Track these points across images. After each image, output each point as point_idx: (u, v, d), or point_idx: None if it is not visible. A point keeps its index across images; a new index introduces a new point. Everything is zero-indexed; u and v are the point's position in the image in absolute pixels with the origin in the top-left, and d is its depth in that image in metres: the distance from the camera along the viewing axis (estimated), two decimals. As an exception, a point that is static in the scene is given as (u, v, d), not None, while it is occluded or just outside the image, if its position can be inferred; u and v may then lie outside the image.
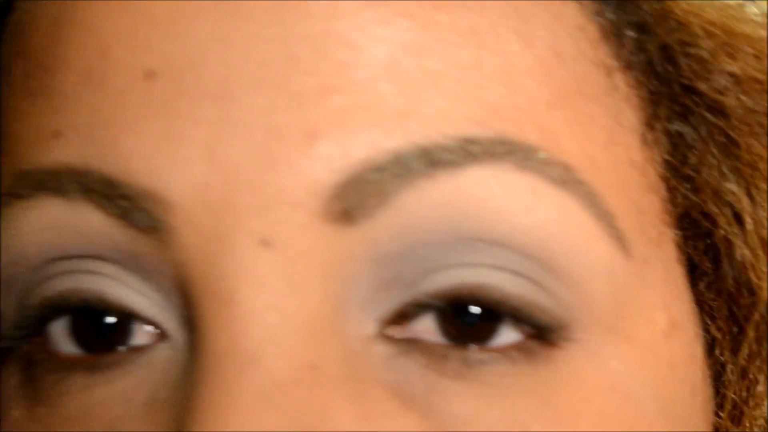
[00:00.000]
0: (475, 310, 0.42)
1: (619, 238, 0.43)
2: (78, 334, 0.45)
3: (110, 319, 0.44)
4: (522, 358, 0.42)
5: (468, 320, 0.43)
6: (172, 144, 0.41)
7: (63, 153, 0.43)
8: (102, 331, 0.45)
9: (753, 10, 0.50)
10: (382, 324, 0.42)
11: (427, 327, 0.43)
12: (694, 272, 0.49)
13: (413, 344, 0.42)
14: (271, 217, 0.40)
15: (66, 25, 0.44)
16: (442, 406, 0.41)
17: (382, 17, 0.41)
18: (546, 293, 0.42)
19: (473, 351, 0.42)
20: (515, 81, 0.42)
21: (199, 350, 0.41)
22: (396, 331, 0.42)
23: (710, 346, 0.50)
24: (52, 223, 0.43)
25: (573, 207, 0.42)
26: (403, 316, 0.42)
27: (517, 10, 0.43)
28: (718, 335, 0.49)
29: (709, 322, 0.49)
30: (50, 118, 0.43)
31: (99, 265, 0.44)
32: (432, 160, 0.40)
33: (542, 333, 0.42)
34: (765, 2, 0.51)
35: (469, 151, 0.41)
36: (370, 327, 0.42)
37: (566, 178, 0.42)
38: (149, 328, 0.44)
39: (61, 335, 0.45)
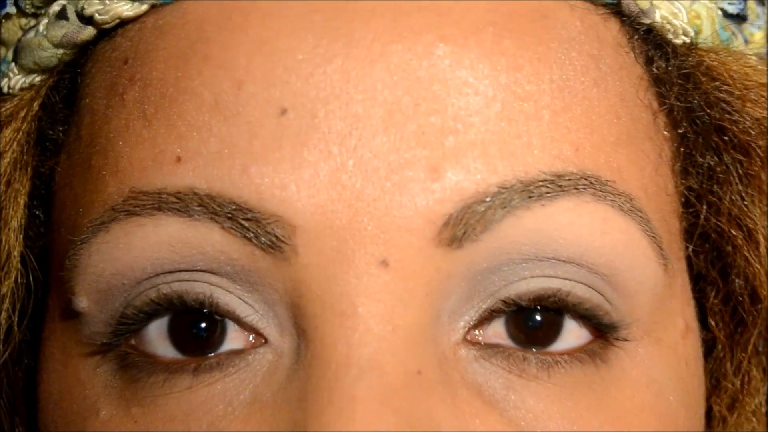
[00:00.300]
0: (538, 316, 0.49)
1: (664, 257, 0.50)
2: (174, 336, 0.49)
3: (204, 324, 0.49)
4: (588, 359, 0.49)
5: (532, 326, 0.49)
6: (302, 173, 0.46)
7: (187, 177, 0.47)
8: (197, 334, 0.49)
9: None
10: (466, 331, 0.48)
11: (498, 331, 0.49)
12: (697, 282, 0.57)
13: (492, 348, 0.48)
14: (390, 241, 0.46)
15: (197, 59, 0.47)
16: (518, 404, 0.48)
17: (495, 68, 0.47)
18: (609, 303, 0.49)
19: (550, 354, 0.48)
20: (594, 123, 0.48)
21: (316, 357, 0.46)
22: (474, 336, 0.49)
23: (710, 345, 0.58)
24: (167, 239, 0.47)
25: (635, 232, 0.49)
26: (481, 321, 0.48)
27: (595, 61, 0.49)
28: (720, 335, 0.57)
29: (713, 324, 0.57)
30: (172, 145, 0.47)
31: (207, 276, 0.48)
32: (531, 193, 0.46)
33: (602, 334, 0.49)
34: (761, 33, 0.58)
35: (560, 186, 0.47)
36: (457, 334, 0.48)
37: (630, 207, 0.49)
38: (247, 334, 0.48)
39: (157, 337, 0.50)
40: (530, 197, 0.47)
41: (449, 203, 0.46)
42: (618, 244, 0.48)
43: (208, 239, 0.47)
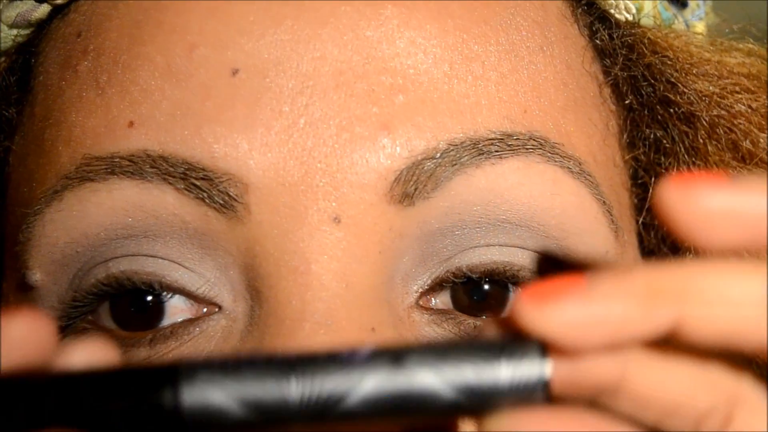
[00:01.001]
0: (487, 286, 0.49)
1: (614, 223, 0.51)
2: (115, 313, 0.49)
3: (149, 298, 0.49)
4: None
5: (477, 299, 0.49)
6: (254, 132, 0.46)
7: (140, 140, 0.47)
8: (140, 310, 0.49)
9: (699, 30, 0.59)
10: (419, 296, 0.48)
11: (444, 300, 0.49)
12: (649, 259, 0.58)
13: (444, 314, 0.49)
14: (343, 197, 0.46)
15: (149, 25, 0.48)
16: None
17: (443, 29, 0.48)
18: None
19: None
20: (540, 88, 0.49)
21: (270, 314, 0.46)
22: (426, 301, 0.49)
23: None
24: (122, 204, 0.48)
25: (585, 195, 0.49)
26: (433, 288, 0.49)
27: (540, 28, 0.51)
28: None
29: None
30: (125, 110, 0.48)
31: (159, 246, 0.48)
32: (480, 151, 0.47)
33: None
34: (702, 24, 0.60)
35: (509, 145, 0.48)
36: (410, 298, 0.48)
37: (580, 170, 0.49)
38: (199, 306, 0.48)
39: (103, 314, 0.50)
40: (480, 154, 0.47)
41: (400, 160, 0.46)
42: (568, 206, 0.49)
43: (161, 202, 0.47)
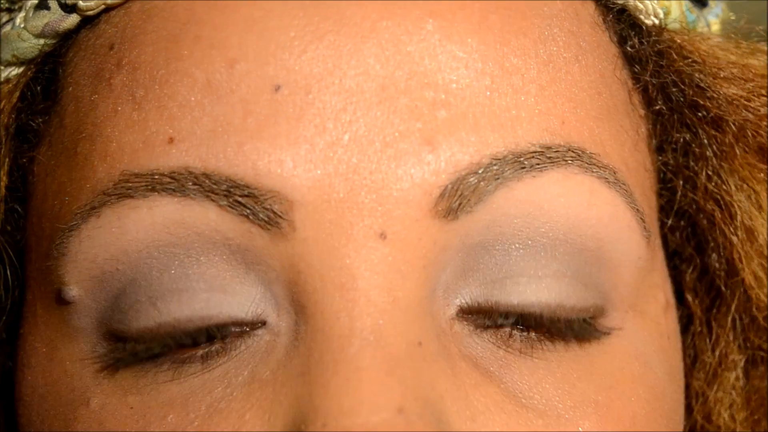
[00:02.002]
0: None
1: (647, 230, 0.51)
2: None
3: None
4: (573, 339, 0.50)
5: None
6: (298, 148, 0.46)
7: (181, 157, 0.47)
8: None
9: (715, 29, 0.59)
10: (458, 308, 0.49)
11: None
12: (671, 260, 0.58)
13: (483, 324, 0.49)
14: (388, 213, 0.46)
15: (186, 40, 0.48)
16: (512, 377, 0.48)
17: (483, 43, 0.48)
18: (594, 285, 0.50)
19: (536, 331, 0.49)
20: (577, 98, 0.50)
21: (318, 331, 0.46)
22: (466, 315, 0.49)
23: (686, 323, 0.59)
24: (162, 220, 0.47)
25: (620, 204, 0.50)
26: (473, 311, 0.49)
27: (575, 37, 0.51)
28: (697, 311, 0.59)
29: (690, 300, 0.59)
30: (163, 126, 0.47)
31: (204, 268, 0.47)
32: (522, 164, 0.47)
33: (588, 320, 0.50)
34: (718, 22, 0.60)
35: (549, 157, 0.48)
36: (451, 309, 0.48)
37: (614, 180, 0.50)
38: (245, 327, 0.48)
39: None
40: (522, 168, 0.47)
41: (444, 175, 0.46)
42: (604, 215, 0.49)
43: (203, 219, 0.47)
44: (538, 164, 0.48)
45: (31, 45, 0.52)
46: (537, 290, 0.49)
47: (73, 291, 0.49)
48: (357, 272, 0.46)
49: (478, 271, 0.48)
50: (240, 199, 0.46)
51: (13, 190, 0.54)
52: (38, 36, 0.52)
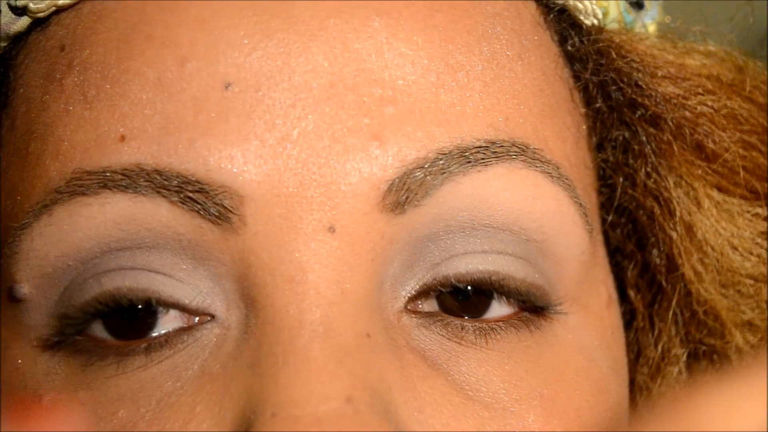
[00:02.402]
0: (470, 292, 0.51)
1: (589, 224, 0.53)
2: (108, 323, 0.50)
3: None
4: (523, 326, 0.51)
5: (462, 299, 0.51)
6: (249, 144, 0.47)
7: (132, 154, 0.47)
8: (132, 320, 0.49)
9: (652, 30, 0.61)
10: (407, 300, 0.50)
11: (431, 304, 0.50)
12: (613, 257, 0.60)
13: (432, 317, 0.50)
14: (337, 207, 0.47)
15: (138, 39, 0.48)
16: (460, 369, 0.49)
17: (429, 40, 0.49)
18: (540, 273, 0.51)
19: (485, 321, 0.50)
20: (520, 95, 0.51)
21: (267, 323, 0.47)
22: (414, 306, 0.50)
23: (628, 319, 0.61)
24: (113, 217, 0.48)
25: (563, 198, 0.51)
26: (420, 294, 0.50)
27: (517, 36, 0.52)
28: (639, 306, 0.60)
29: (632, 296, 0.60)
30: (115, 124, 0.48)
31: (152, 258, 0.48)
32: (468, 159, 0.48)
33: (535, 307, 0.51)
34: (654, 25, 0.62)
35: (494, 152, 0.49)
36: (399, 302, 0.49)
37: (558, 174, 0.51)
38: (191, 317, 0.49)
39: (95, 326, 0.50)
40: (467, 162, 0.49)
41: (392, 169, 0.48)
42: (548, 209, 0.51)
43: (154, 215, 0.48)
44: (483, 159, 0.49)
45: (-20, 48, 0.53)
46: (484, 261, 0.50)
47: (24, 288, 0.50)
48: (306, 265, 0.47)
49: (424, 261, 0.49)
50: (191, 194, 0.47)
51: None
52: None
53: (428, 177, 0.48)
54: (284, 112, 0.47)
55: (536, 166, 0.50)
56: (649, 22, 0.62)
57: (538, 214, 0.50)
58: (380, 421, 0.45)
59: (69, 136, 0.49)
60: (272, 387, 0.45)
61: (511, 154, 0.50)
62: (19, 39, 0.53)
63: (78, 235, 0.48)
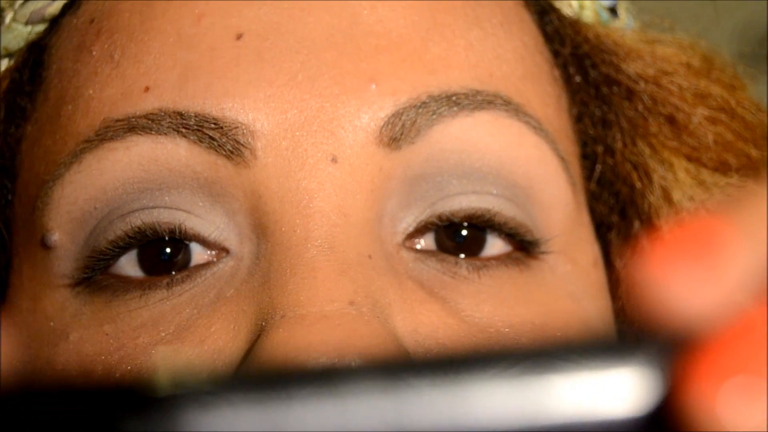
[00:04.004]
0: (465, 231, 0.55)
1: (571, 177, 0.57)
2: (142, 263, 0.54)
3: (169, 249, 0.53)
4: (513, 264, 0.55)
5: (458, 239, 0.55)
6: (259, 86, 0.52)
7: (155, 101, 0.53)
8: (165, 258, 0.53)
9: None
10: (405, 237, 0.54)
11: (428, 243, 0.55)
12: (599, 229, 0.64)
13: (427, 253, 0.54)
14: (338, 139, 0.52)
15: (159, 2, 0.55)
16: (455, 298, 0.53)
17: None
18: (528, 216, 0.55)
19: (479, 259, 0.54)
20: (502, 57, 0.57)
21: (277, 244, 0.51)
22: (411, 243, 0.54)
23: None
24: (137, 159, 0.53)
25: (546, 150, 0.56)
26: (417, 231, 0.54)
27: (500, 9, 0.58)
28: (624, 273, 0.64)
29: (618, 263, 0.64)
30: (140, 78, 0.54)
31: (173, 197, 0.53)
32: (455, 102, 0.54)
33: (523, 246, 0.56)
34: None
35: (479, 100, 0.54)
36: (398, 237, 0.54)
37: (541, 128, 0.56)
38: (210, 252, 0.53)
39: (126, 264, 0.54)
40: (456, 105, 0.54)
41: (387, 108, 0.53)
42: (532, 158, 0.55)
43: (174, 154, 0.53)
44: (469, 104, 0.54)
45: (18, 33, 0.59)
46: (477, 200, 0.54)
47: (54, 236, 0.54)
48: (312, 192, 0.51)
49: (420, 199, 0.54)
50: (208, 132, 0.52)
51: (3, 168, 0.59)
52: (26, 23, 0.59)
53: (419, 118, 0.53)
54: (290, 57, 0.53)
55: (519, 117, 0.55)
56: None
57: (522, 160, 0.55)
58: (381, 323, 0.49)
59: (97, 94, 0.54)
60: (281, 295, 0.49)
61: (497, 103, 0.55)
62: (53, 24, 0.59)
63: (105, 178, 0.53)
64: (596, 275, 0.59)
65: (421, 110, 0.53)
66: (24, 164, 0.58)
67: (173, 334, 0.51)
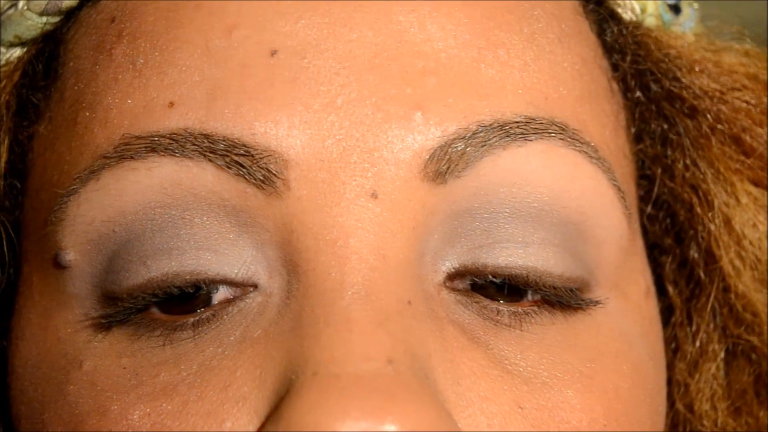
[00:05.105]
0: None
1: (627, 209, 0.53)
2: (161, 305, 0.50)
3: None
4: (558, 310, 0.51)
5: (497, 288, 0.51)
6: (294, 110, 0.48)
7: (180, 119, 0.48)
8: (184, 301, 0.49)
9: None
10: (446, 277, 0.50)
11: (465, 284, 0.50)
12: (652, 251, 0.60)
13: (469, 295, 0.50)
14: (379, 173, 0.48)
15: (187, 8, 0.50)
16: (498, 344, 0.49)
17: (471, 16, 0.50)
18: (579, 261, 0.51)
19: (520, 305, 0.50)
20: (559, 77, 0.52)
21: (310, 286, 0.47)
22: (453, 284, 0.50)
23: (666, 315, 0.60)
24: (159, 181, 0.48)
25: (602, 180, 0.52)
26: (458, 274, 0.50)
27: (558, 21, 0.53)
28: (677, 301, 0.60)
29: (671, 290, 0.60)
30: (164, 91, 0.49)
31: (196, 230, 0.49)
32: (507, 133, 0.49)
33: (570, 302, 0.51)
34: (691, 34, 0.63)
35: (533, 128, 0.50)
36: (439, 276, 0.50)
37: (597, 156, 0.51)
38: (236, 289, 0.49)
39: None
40: (507, 136, 0.49)
41: (433, 139, 0.48)
42: (587, 189, 0.51)
43: (200, 179, 0.48)
44: (522, 134, 0.49)
45: (33, 24, 0.54)
46: (524, 255, 0.50)
47: (69, 255, 0.50)
48: (349, 230, 0.47)
49: (465, 238, 0.50)
50: (237, 158, 0.48)
51: (13, 166, 0.55)
52: (41, 14, 0.54)
53: (469, 148, 0.48)
54: (329, 79, 0.48)
55: (575, 146, 0.51)
56: (686, 30, 0.63)
57: (577, 193, 0.51)
58: (421, 384, 0.45)
59: (118, 103, 0.50)
60: (313, 347, 0.46)
61: (551, 131, 0.50)
62: (70, 15, 0.54)
63: (124, 200, 0.49)
64: (648, 307, 0.55)
65: (470, 141, 0.49)
66: (36, 166, 0.54)
67: (195, 375, 0.48)
